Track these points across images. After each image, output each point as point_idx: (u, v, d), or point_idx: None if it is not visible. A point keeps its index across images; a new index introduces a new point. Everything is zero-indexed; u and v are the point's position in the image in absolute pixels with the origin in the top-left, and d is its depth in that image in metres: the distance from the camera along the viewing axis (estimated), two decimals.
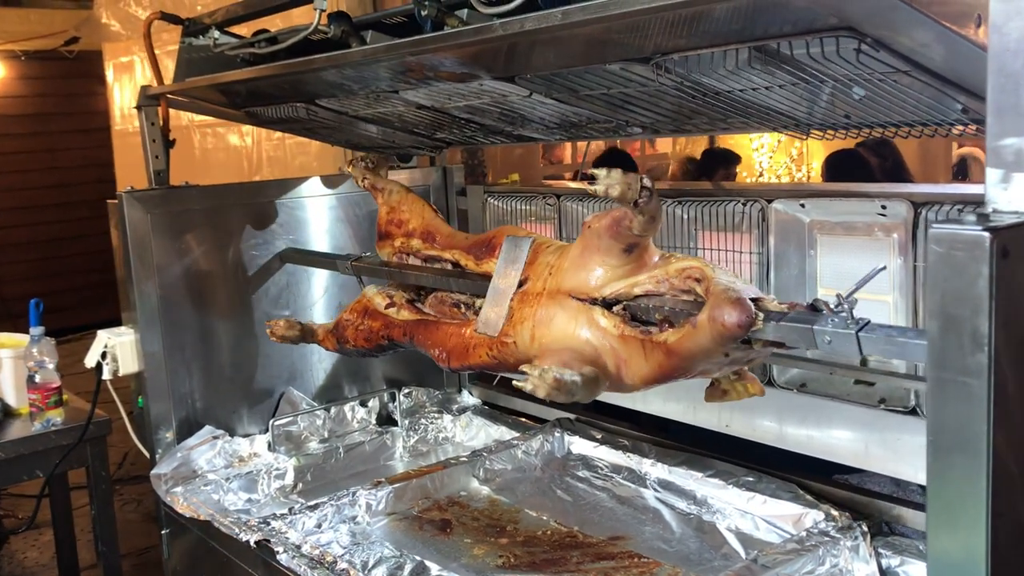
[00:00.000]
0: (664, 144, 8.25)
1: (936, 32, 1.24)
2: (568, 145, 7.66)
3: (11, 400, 3.19)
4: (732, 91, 1.67)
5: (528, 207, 2.96)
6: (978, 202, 1.87)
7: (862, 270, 2.10)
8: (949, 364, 0.98)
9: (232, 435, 2.75)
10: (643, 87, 1.77)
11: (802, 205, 2.21)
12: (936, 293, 0.98)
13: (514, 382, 1.76)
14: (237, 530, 2.24)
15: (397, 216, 2.49)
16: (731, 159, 5.98)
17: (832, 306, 1.46)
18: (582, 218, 2.77)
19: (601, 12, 1.36)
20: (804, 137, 1.83)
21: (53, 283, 8.95)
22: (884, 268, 1.62)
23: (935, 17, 1.22)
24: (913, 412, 2.07)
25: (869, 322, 1.41)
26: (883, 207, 2.05)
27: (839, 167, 4.82)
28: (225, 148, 5.85)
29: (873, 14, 1.26)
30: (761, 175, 7.27)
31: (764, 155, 7.33)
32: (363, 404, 3.01)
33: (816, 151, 6.87)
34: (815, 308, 1.49)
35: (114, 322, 2.75)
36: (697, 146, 6.79)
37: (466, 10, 1.80)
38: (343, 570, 2.00)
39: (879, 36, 1.31)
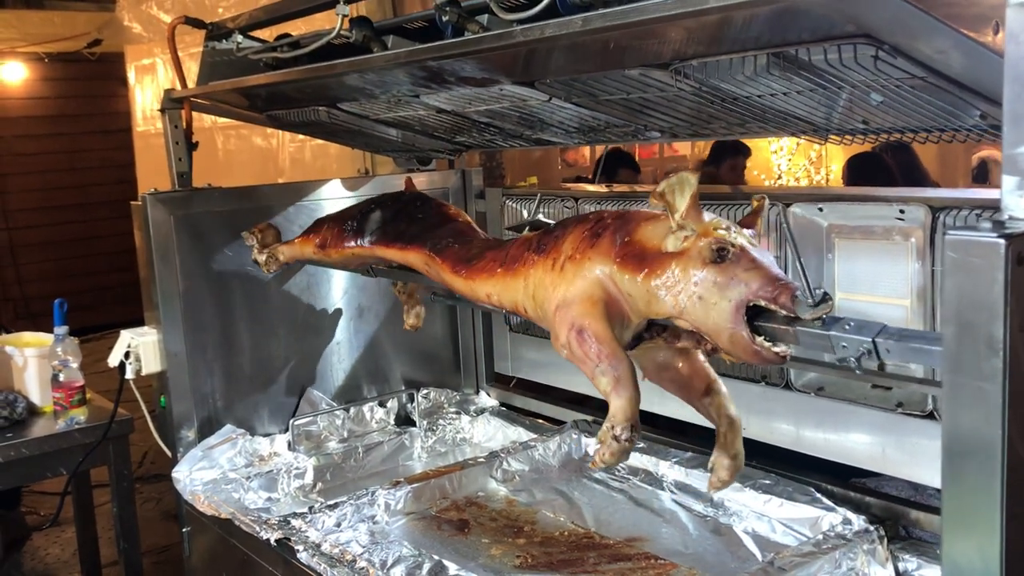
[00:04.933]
0: (683, 146, 8.25)
1: (953, 39, 1.25)
2: (586, 148, 7.67)
3: (35, 398, 3.23)
4: (750, 96, 1.68)
5: (546, 210, 2.97)
6: (996, 207, 1.89)
7: (880, 274, 2.13)
8: (964, 369, 0.99)
9: (253, 434, 2.78)
10: (662, 92, 1.79)
11: (820, 209, 2.22)
12: (952, 299, 0.99)
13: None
14: (258, 528, 2.26)
15: (348, 264, 2.58)
16: (740, 150, 5.87)
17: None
18: None
19: (621, 19, 1.38)
20: (823, 142, 1.84)
21: (72, 283, 9.04)
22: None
23: (952, 24, 1.23)
24: (931, 416, 2.07)
25: (883, 327, 1.42)
26: (901, 211, 2.06)
27: (860, 170, 4.82)
28: (249, 150, 5.90)
29: (890, 21, 1.27)
30: (779, 178, 7.25)
31: (783, 158, 7.32)
32: (382, 404, 3.03)
33: (835, 154, 6.85)
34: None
35: (134, 322, 2.79)
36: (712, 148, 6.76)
37: (487, 16, 1.82)
38: (362, 569, 2.03)
39: (896, 43, 1.32)
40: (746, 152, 5.89)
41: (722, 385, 1.81)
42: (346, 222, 2.51)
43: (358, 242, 2.45)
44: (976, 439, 0.99)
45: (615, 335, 1.72)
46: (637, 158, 8.20)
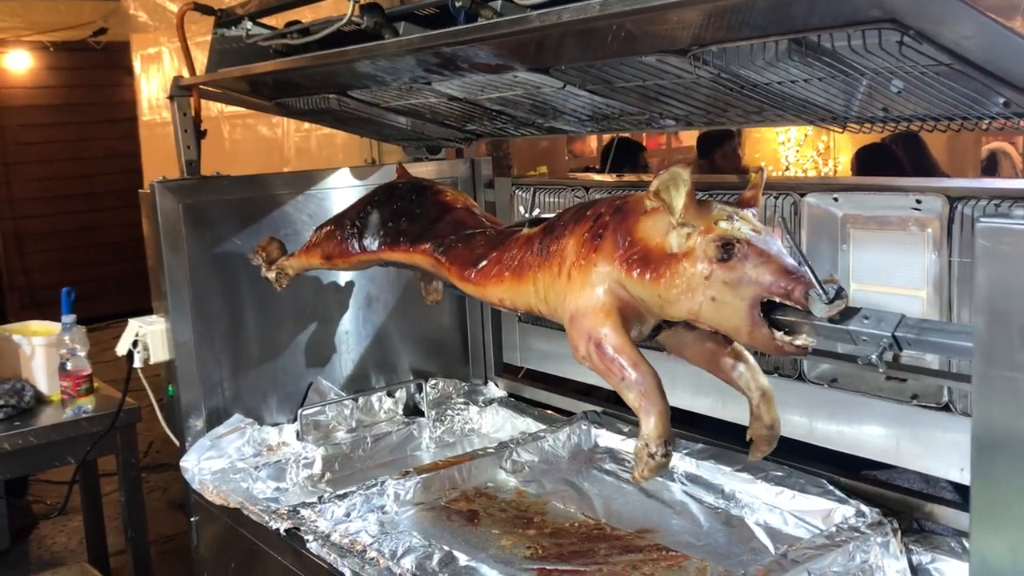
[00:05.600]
0: (689, 136, 8.22)
1: (981, 24, 1.23)
2: (593, 139, 7.65)
3: (43, 387, 3.22)
4: (770, 83, 1.65)
5: (556, 200, 2.95)
6: (1015, 197, 1.86)
7: (896, 265, 2.11)
8: (996, 359, 0.97)
9: (261, 424, 2.76)
10: (679, 79, 1.76)
11: (835, 199, 2.19)
12: (983, 288, 0.97)
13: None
14: (267, 518, 2.25)
15: (357, 268, 2.60)
16: (727, 134, 5.81)
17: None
18: None
19: (641, 3, 1.35)
20: (841, 130, 1.82)
21: (77, 272, 9.04)
22: None
23: (980, 9, 1.20)
24: (946, 408, 2.05)
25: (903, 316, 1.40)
26: (918, 201, 2.03)
27: (869, 161, 4.78)
28: (255, 139, 5.88)
29: (917, 5, 1.25)
30: (787, 169, 7.22)
31: (790, 149, 7.28)
32: (390, 394, 3.02)
33: (843, 145, 6.82)
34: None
35: (139, 312, 2.77)
36: None
37: (500, 1, 1.79)
38: (372, 559, 2.01)
39: (922, 28, 1.30)
40: (729, 135, 5.82)
41: (750, 356, 1.80)
42: (346, 229, 2.47)
43: (362, 248, 2.44)
44: (1007, 432, 0.97)
45: (632, 340, 1.71)
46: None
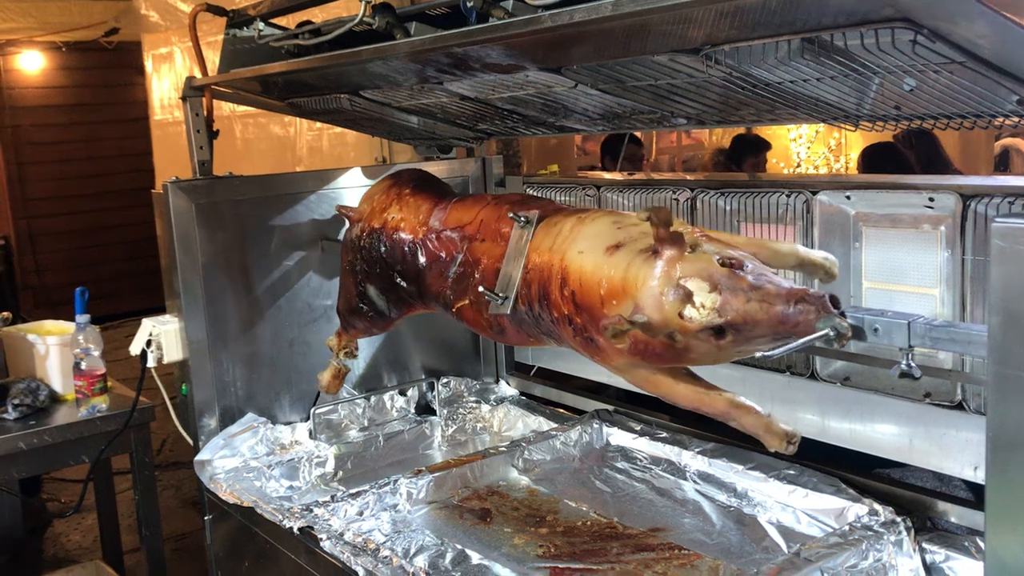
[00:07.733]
0: (700, 133, 8.21)
1: (995, 22, 1.22)
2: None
3: (57, 386, 3.24)
4: (782, 82, 1.65)
5: (568, 198, 2.96)
6: None
7: (908, 263, 2.10)
8: (1011, 360, 0.96)
9: (274, 423, 2.78)
10: (691, 78, 1.76)
11: (847, 197, 2.19)
12: (998, 288, 0.97)
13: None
14: (280, 517, 2.26)
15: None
16: (761, 146, 5.96)
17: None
18: (621, 209, 2.76)
19: (652, 3, 1.35)
20: (853, 129, 1.81)
21: (90, 271, 9.10)
22: None
23: (995, 7, 1.20)
24: (959, 407, 2.04)
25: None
26: (931, 199, 2.03)
27: (874, 160, 4.78)
28: (267, 138, 5.89)
29: (931, 4, 1.25)
30: (798, 166, 7.20)
31: (802, 145, 7.26)
32: (402, 393, 3.03)
33: (854, 142, 6.80)
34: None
35: (151, 310, 2.78)
36: (730, 137, 6.76)
37: (511, 1, 1.80)
38: (385, 557, 2.02)
39: (936, 27, 1.29)
40: (766, 147, 5.97)
41: (804, 250, 1.81)
42: (362, 312, 2.55)
43: (385, 320, 2.55)
44: (1022, 431, 0.97)
45: (692, 379, 1.75)
46: (654, 146, 8.21)
